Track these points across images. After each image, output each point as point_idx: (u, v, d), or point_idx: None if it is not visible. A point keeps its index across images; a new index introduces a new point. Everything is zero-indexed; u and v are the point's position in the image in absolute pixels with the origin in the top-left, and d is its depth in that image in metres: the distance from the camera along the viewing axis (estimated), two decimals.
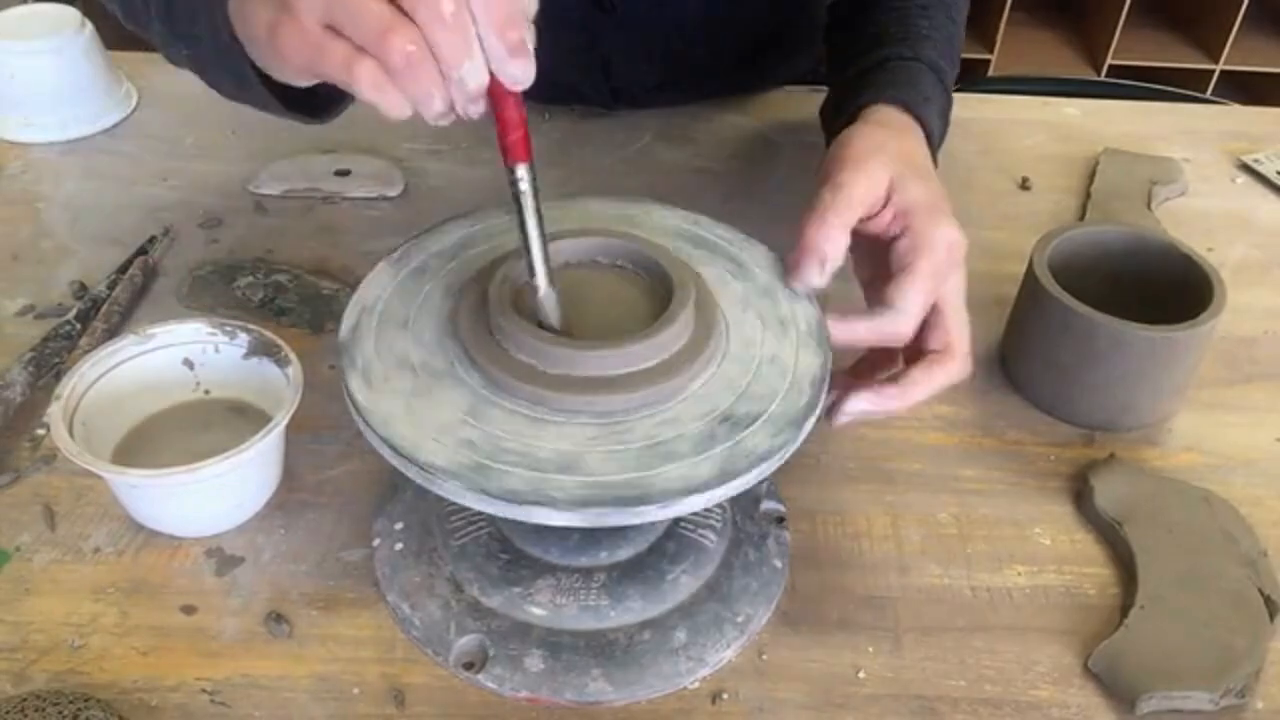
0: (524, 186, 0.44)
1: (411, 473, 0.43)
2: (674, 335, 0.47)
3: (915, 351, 0.54)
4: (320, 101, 0.57)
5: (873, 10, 0.75)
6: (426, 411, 0.45)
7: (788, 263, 0.53)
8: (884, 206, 0.55)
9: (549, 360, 0.46)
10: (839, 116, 0.66)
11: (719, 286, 0.52)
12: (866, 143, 0.57)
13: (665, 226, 0.56)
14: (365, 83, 0.41)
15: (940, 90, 0.68)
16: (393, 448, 0.44)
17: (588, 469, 0.43)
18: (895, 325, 0.52)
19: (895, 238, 0.54)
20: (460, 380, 0.47)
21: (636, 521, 0.43)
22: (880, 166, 0.55)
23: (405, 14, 0.40)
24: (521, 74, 0.42)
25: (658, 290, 0.50)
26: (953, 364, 0.53)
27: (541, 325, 0.46)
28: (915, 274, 0.52)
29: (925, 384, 0.53)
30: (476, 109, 0.42)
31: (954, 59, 0.73)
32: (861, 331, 0.52)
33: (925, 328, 0.54)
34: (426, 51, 0.40)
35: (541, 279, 0.46)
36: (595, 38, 0.87)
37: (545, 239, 0.45)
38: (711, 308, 0.50)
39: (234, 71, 0.53)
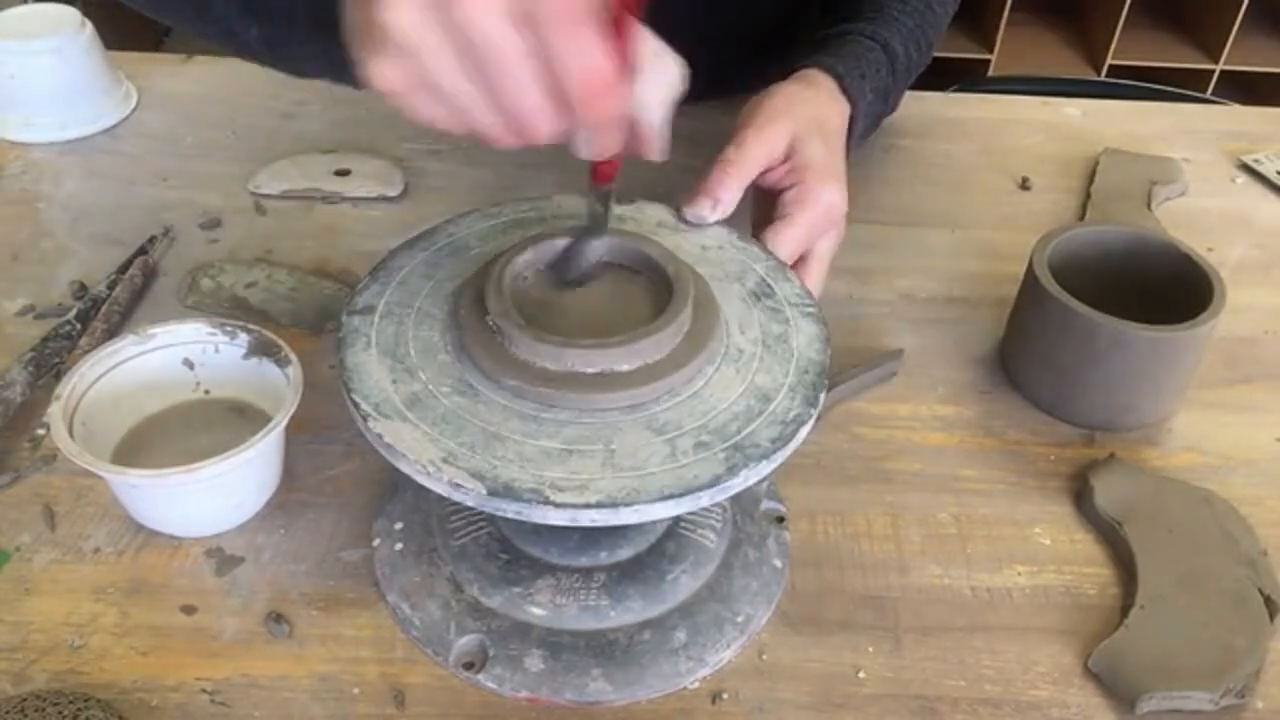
0: (605, 201, 0.50)
1: (411, 472, 0.43)
2: (674, 333, 0.47)
3: None
4: None
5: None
6: (426, 410, 0.45)
7: (687, 195, 0.58)
8: (783, 162, 0.60)
9: (548, 358, 0.46)
10: (783, 70, 0.70)
11: (716, 283, 0.52)
12: (779, 101, 0.63)
13: (655, 219, 0.57)
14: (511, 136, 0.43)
15: (886, 69, 0.72)
16: (392, 447, 0.44)
17: (588, 468, 0.43)
18: (786, 229, 0.58)
19: (785, 189, 0.60)
20: (460, 379, 0.47)
21: (636, 521, 0.43)
22: (783, 129, 0.60)
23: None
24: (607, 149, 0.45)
25: (657, 288, 0.50)
26: (808, 266, 0.59)
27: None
28: (791, 223, 0.58)
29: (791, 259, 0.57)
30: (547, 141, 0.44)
31: (921, 44, 0.77)
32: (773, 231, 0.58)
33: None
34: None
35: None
36: None
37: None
38: (711, 305, 0.50)
39: (322, 54, 0.54)
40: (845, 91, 0.67)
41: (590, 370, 0.46)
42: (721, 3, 0.88)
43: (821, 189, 0.59)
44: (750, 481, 0.44)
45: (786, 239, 0.57)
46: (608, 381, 0.45)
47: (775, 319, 0.51)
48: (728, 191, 0.57)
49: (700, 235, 0.56)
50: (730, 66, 0.94)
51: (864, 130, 0.71)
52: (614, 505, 0.42)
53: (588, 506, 0.42)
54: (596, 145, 0.44)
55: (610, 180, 0.49)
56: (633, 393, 0.45)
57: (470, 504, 0.43)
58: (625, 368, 0.46)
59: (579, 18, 0.38)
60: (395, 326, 0.49)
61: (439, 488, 0.43)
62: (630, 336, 0.46)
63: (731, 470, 0.43)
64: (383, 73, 0.41)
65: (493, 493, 0.42)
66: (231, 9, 0.61)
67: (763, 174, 0.60)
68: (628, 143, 0.45)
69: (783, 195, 0.60)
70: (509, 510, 0.42)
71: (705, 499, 0.43)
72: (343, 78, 0.54)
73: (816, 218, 0.59)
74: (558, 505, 0.42)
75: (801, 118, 0.62)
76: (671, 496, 0.42)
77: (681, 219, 0.57)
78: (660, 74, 0.46)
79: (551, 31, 0.38)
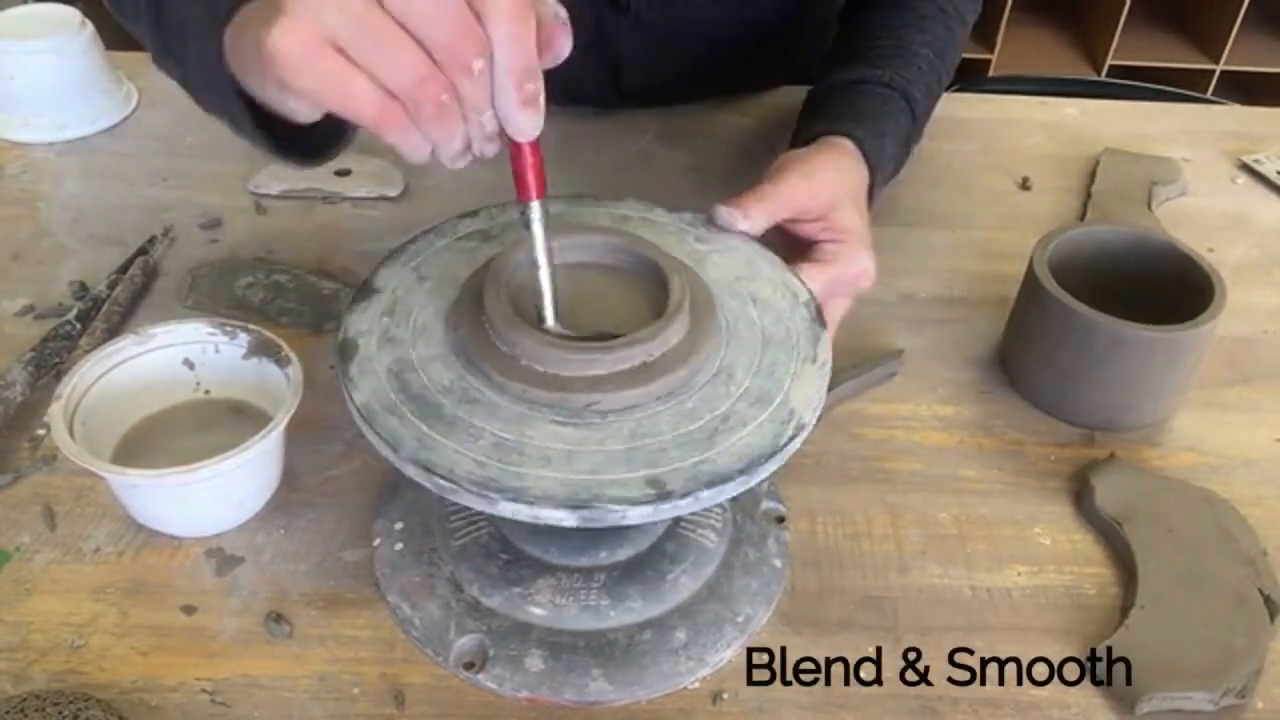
0: (536, 224, 0.46)
1: (412, 473, 0.43)
2: (673, 334, 0.47)
3: None
4: (316, 139, 0.54)
5: (872, 15, 0.76)
6: (426, 412, 0.45)
7: (718, 204, 0.57)
8: (815, 220, 0.60)
9: (548, 360, 0.46)
10: (806, 125, 0.71)
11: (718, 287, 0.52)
12: (826, 164, 0.63)
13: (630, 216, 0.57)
14: (392, 124, 0.41)
15: (906, 119, 0.72)
16: (393, 448, 0.44)
17: (589, 468, 0.43)
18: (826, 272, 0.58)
19: (824, 242, 0.60)
20: (460, 380, 0.47)
21: (640, 521, 0.43)
22: (826, 190, 0.61)
23: (435, 61, 0.40)
24: (530, 126, 0.43)
25: (654, 289, 0.50)
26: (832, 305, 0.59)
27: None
28: (823, 269, 0.58)
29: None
30: (492, 148, 0.44)
31: (939, 76, 0.77)
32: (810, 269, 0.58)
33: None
34: (455, 100, 0.41)
35: (549, 313, 0.47)
36: (607, 38, 0.87)
37: (555, 274, 0.47)
38: (709, 305, 0.50)
39: (222, 101, 0.51)
40: (866, 158, 0.67)
41: (591, 372, 0.46)
42: (733, 1, 0.88)
43: (862, 254, 0.60)
44: (754, 481, 0.44)
45: (814, 277, 0.57)
46: (608, 382, 0.45)
47: (777, 323, 0.51)
48: (760, 215, 0.57)
49: (711, 241, 0.56)
50: (738, 63, 0.94)
51: (884, 186, 0.72)
52: (617, 505, 0.42)
53: (591, 507, 0.42)
54: (515, 60, 0.41)
55: (541, 193, 0.46)
56: (629, 393, 0.45)
57: (467, 504, 0.43)
58: (626, 368, 0.46)
59: None
60: (396, 327, 0.49)
61: (431, 485, 0.43)
62: (631, 337, 0.46)
63: (736, 469, 0.43)
64: (285, 33, 0.39)
65: (495, 493, 0.42)
66: (152, 39, 0.58)
67: (796, 223, 0.60)
68: (540, 47, 0.41)
69: (822, 245, 0.60)
70: (512, 512, 0.42)
71: (711, 498, 0.43)
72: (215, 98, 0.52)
73: (848, 276, 0.59)
74: (560, 506, 0.42)
75: (844, 186, 0.63)
76: (676, 496, 0.42)
77: (710, 220, 0.57)
78: None
79: None
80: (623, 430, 0.45)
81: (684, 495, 0.42)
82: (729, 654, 0.52)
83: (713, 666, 0.51)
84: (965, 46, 0.82)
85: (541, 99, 0.42)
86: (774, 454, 0.44)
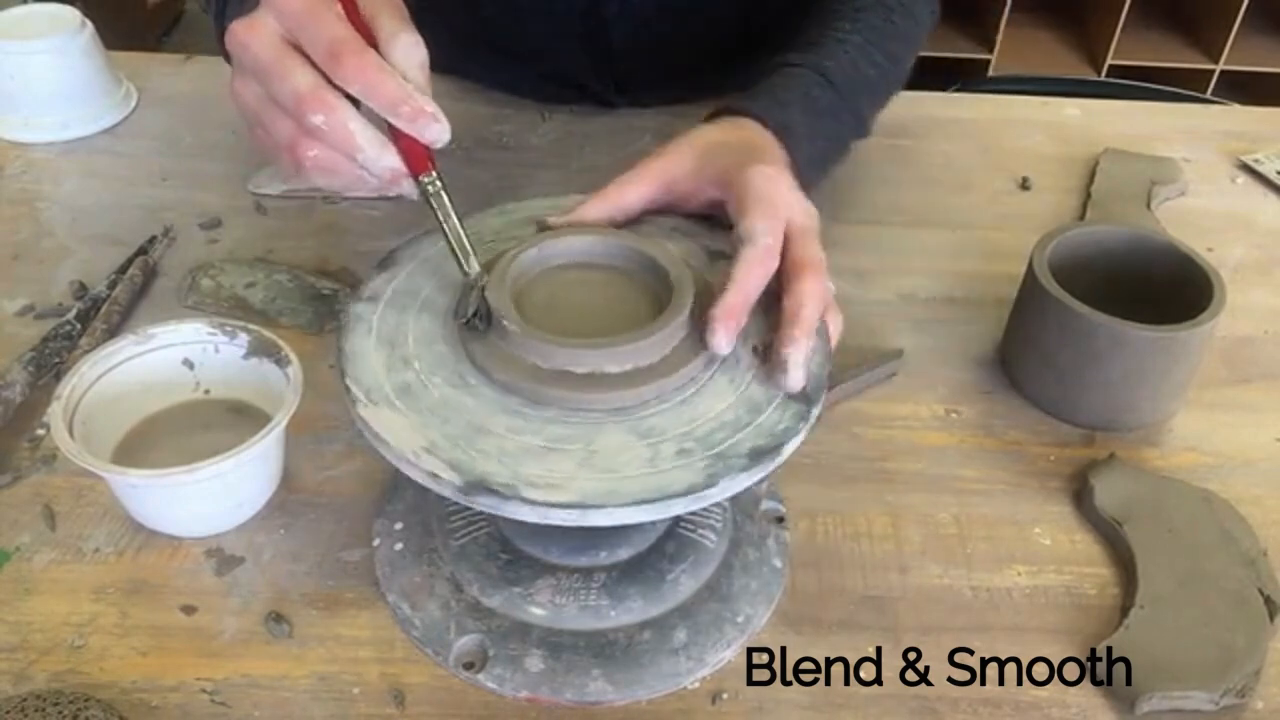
0: (434, 189, 0.49)
1: (414, 474, 0.43)
2: (674, 332, 0.47)
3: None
4: None
5: (811, 8, 0.76)
6: (428, 413, 0.45)
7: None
8: (697, 188, 0.57)
9: (551, 359, 0.46)
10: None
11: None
12: (686, 135, 0.60)
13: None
14: (309, 170, 0.48)
15: (821, 90, 0.68)
16: (395, 450, 0.44)
17: (593, 468, 0.43)
18: (754, 255, 0.50)
19: (722, 202, 0.55)
20: (461, 381, 0.47)
21: (643, 520, 0.43)
22: (684, 147, 0.58)
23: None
24: (430, 136, 0.47)
25: (656, 288, 0.50)
26: (805, 282, 0.50)
27: (483, 315, 0.47)
28: (747, 209, 0.52)
29: (800, 302, 0.50)
30: (396, 189, 0.49)
31: (875, 62, 0.73)
32: (741, 278, 0.50)
33: (784, 260, 0.52)
34: (331, 151, 0.47)
35: (475, 263, 0.48)
36: (600, 24, 0.87)
37: (465, 228, 0.49)
38: (710, 304, 0.50)
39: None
40: (756, 118, 0.63)
41: (580, 370, 0.46)
42: (680, 7, 0.88)
43: (745, 172, 0.54)
44: (729, 493, 0.44)
45: (754, 218, 0.51)
46: (596, 382, 0.46)
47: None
48: (604, 206, 0.55)
49: (713, 242, 0.56)
50: (730, 54, 0.94)
51: (822, 151, 0.68)
52: (583, 506, 0.42)
53: (559, 506, 0.42)
54: (380, 98, 0.46)
55: (426, 169, 0.48)
56: (621, 394, 0.45)
57: (446, 495, 0.43)
58: (615, 369, 0.46)
59: (318, 11, 0.46)
60: (397, 315, 0.49)
61: (417, 476, 0.43)
62: (622, 339, 0.46)
63: (710, 480, 0.43)
64: (237, 91, 0.49)
65: (469, 485, 0.42)
66: None
67: (678, 196, 0.57)
68: (411, 120, 0.46)
69: (725, 207, 0.55)
70: (482, 504, 0.42)
71: (680, 507, 0.43)
72: None
73: (764, 193, 0.53)
74: (564, 506, 0.42)
75: (702, 145, 0.58)
76: (645, 502, 0.42)
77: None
78: (406, 44, 0.48)
79: (301, 27, 0.46)
80: (640, 428, 0.45)
81: (707, 486, 0.43)
82: (729, 654, 0.52)
83: (713, 666, 0.51)
84: (960, 45, 0.81)
85: (428, 109, 0.46)
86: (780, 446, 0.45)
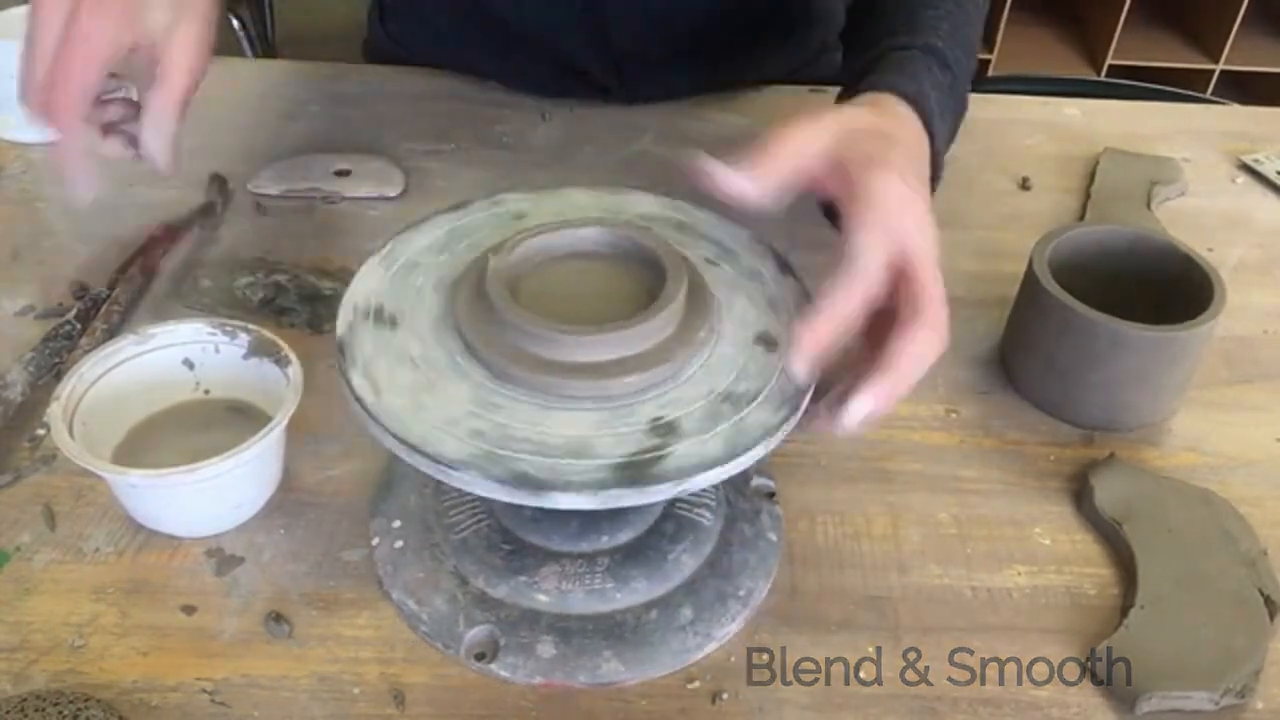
0: None
1: (423, 466, 0.44)
2: (670, 318, 0.48)
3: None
4: None
5: (880, 5, 0.75)
6: (431, 404, 0.45)
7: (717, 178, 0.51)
8: (827, 171, 0.51)
9: (551, 347, 0.46)
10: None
11: (705, 269, 0.53)
12: (831, 108, 0.54)
13: (647, 213, 0.57)
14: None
15: (939, 70, 0.65)
16: (401, 441, 0.44)
17: (598, 452, 0.44)
18: (853, 276, 0.46)
19: (838, 195, 0.50)
20: (462, 371, 0.47)
21: (652, 500, 0.44)
22: (817, 124, 0.52)
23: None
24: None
25: (650, 276, 0.50)
26: (920, 330, 0.46)
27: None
28: (860, 221, 0.47)
29: (901, 354, 0.46)
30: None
31: (964, 43, 0.70)
32: (835, 302, 0.46)
33: (897, 295, 0.48)
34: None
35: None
36: (596, 8, 0.88)
37: None
38: (703, 291, 0.51)
39: None
40: (905, 99, 0.59)
41: (593, 358, 0.46)
42: None
43: (869, 176, 0.48)
44: (760, 455, 0.45)
45: (864, 234, 0.46)
46: (611, 368, 0.46)
47: (763, 298, 0.51)
48: (761, 174, 0.50)
49: (720, 235, 0.56)
50: (730, 40, 0.94)
51: (949, 133, 0.64)
52: (629, 486, 0.43)
53: (604, 489, 0.42)
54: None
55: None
56: (635, 377, 0.46)
57: (486, 494, 0.43)
58: (628, 353, 0.46)
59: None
60: (393, 323, 0.50)
61: (452, 480, 0.44)
62: (630, 322, 0.46)
63: (741, 445, 0.44)
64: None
65: (508, 482, 0.43)
66: None
67: (810, 180, 0.51)
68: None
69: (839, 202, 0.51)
70: (526, 499, 0.43)
71: (719, 474, 0.44)
72: None
73: (887, 211, 0.48)
74: (575, 490, 0.42)
75: (840, 121, 0.53)
76: (686, 475, 0.43)
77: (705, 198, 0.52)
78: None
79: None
80: (640, 412, 0.46)
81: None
82: (734, 627, 0.52)
83: (719, 640, 0.52)
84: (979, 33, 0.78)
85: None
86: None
